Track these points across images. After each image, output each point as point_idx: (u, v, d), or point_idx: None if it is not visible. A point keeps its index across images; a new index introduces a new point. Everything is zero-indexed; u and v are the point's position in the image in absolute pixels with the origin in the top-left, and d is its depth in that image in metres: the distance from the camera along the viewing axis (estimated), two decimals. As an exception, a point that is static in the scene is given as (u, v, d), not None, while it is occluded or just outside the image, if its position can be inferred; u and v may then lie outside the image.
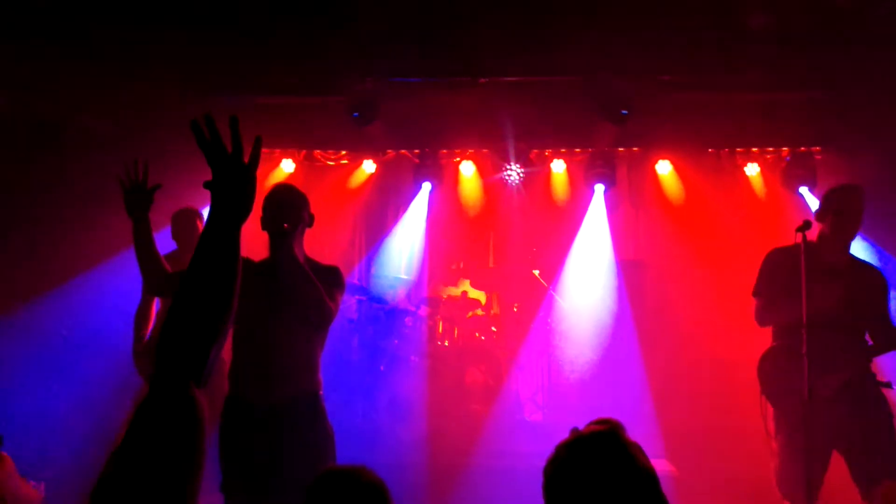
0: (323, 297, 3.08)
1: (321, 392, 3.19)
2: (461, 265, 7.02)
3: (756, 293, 3.97)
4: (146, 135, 6.38)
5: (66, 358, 5.55)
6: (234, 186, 1.46)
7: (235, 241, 1.48)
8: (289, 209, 3.17)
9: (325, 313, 3.10)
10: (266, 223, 3.17)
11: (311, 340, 3.18)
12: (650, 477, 1.56)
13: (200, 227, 4.83)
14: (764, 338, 6.00)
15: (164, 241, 5.02)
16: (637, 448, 1.61)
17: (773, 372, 3.85)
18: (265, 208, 3.18)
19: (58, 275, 5.76)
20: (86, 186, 6.02)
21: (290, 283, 3.06)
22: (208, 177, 5.77)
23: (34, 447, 5.00)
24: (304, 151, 7.34)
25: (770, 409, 3.82)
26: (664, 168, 7.13)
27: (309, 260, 3.26)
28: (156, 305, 4.72)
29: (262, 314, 3.09)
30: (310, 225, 3.28)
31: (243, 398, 3.08)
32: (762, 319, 3.95)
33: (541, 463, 5.42)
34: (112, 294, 5.55)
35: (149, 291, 3.57)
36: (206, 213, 4.97)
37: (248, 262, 3.17)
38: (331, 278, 3.21)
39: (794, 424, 3.55)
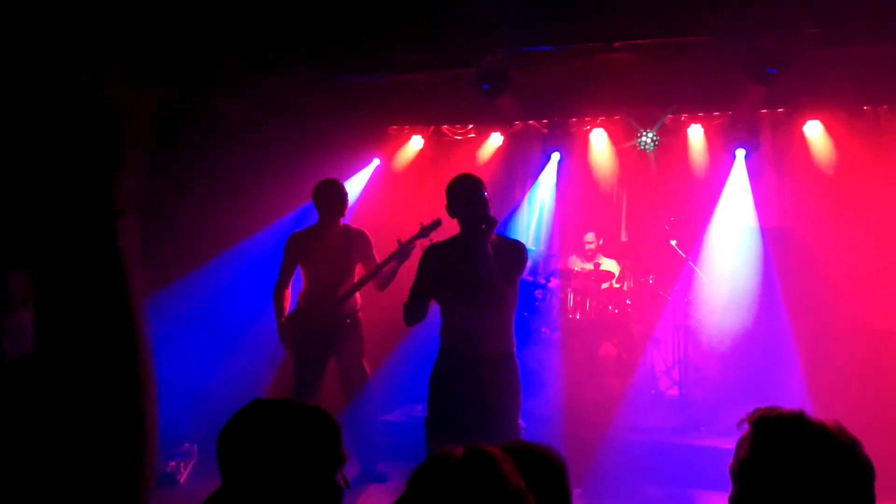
0: (507, 296, 3.62)
1: (514, 350, 3.75)
2: (600, 241, 6.85)
3: None
4: (288, 117, 6.65)
5: (218, 332, 5.90)
6: None
7: None
8: (484, 201, 3.55)
9: (508, 305, 3.66)
10: (461, 213, 3.56)
11: (509, 307, 3.73)
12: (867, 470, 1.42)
13: (344, 195, 4.93)
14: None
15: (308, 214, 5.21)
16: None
17: None
18: (458, 196, 3.57)
19: (207, 251, 6.12)
20: (224, 169, 6.34)
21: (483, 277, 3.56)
22: (341, 153, 5.83)
23: (190, 412, 5.37)
24: (432, 127, 7.41)
25: None
26: (814, 130, 6.63)
27: (497, 236, 3.65)
28: (294, 282, 4.92)
29: (467, 288, 3.60)
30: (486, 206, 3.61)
31: (454, 352, 3.71)
32: None
33: (678, 438, 5.28)
34: (254, 270, 5.84)
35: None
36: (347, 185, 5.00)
37: (439, 245, 3.79)
38: (514, 258, 3.66)
39: None
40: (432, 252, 3.77)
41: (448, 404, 3.69)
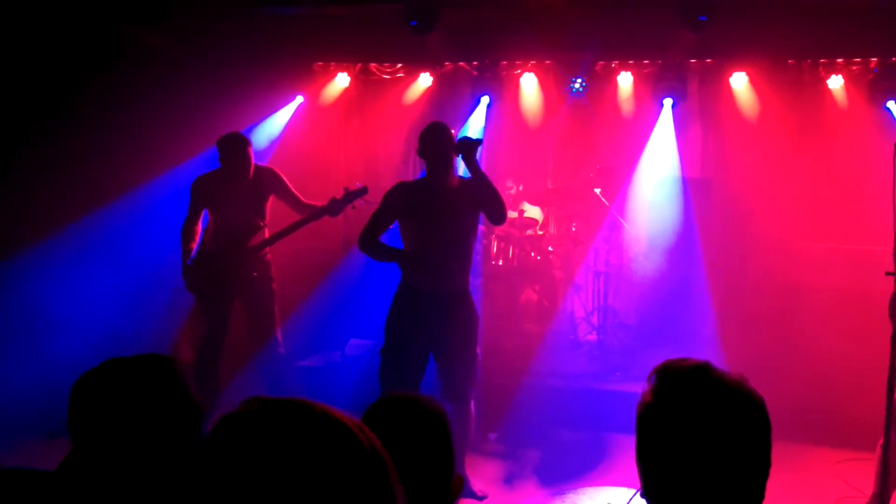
0: (502, 199, 3.94)
1: (469, 287, 4.09)
2: (520, 188, 6.80)
3: None
4: (206, 50, 6.31)
5: (119, 273, 5.65)
6: None
7: None
8: (450, 144, 3.90)
9: (504, 211, 3.96)
10: (439, 149, 3.89)
11: (470, 246, 4.02)
12: (756, 405, 1.38)
13: (251, 153, 4.71)
14: (833, 260, 5.70)
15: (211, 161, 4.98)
16: (735, 379, 1.42)
17: None
18: (434, 140, 3.91)
19: (112, 190, 5.82)
20: (140, 103, 6.00)
21: (487, 192, 3.88)
22: (262, 90, 5.61)
23: (99, 357, 5.15)
24: (359, 65, 7.15)
25: None
26: (739, 81, 6.67)
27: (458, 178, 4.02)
28: (202, 221, 4.72)
29: (436, 223, 3.87)
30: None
31: (416, 286, 3.94)
32: None
33: (594, 384, 5.41)
34: (162, 209, 5.59)
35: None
36: (253, 139, 4.89)
37: (407, 184, 4.13)
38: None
39: None
40: (400, 189, 4.03)
41: (407, 335, 3.91)
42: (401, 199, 3.98)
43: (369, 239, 3.96)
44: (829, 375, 5.24)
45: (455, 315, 3.94)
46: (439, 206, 3.90)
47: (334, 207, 4.54)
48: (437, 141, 3.92)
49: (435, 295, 3.91)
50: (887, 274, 3.39)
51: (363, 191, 4.57)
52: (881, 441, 3.46)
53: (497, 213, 3.93)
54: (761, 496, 1.36)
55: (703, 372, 1.40)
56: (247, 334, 4.76)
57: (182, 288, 4.63)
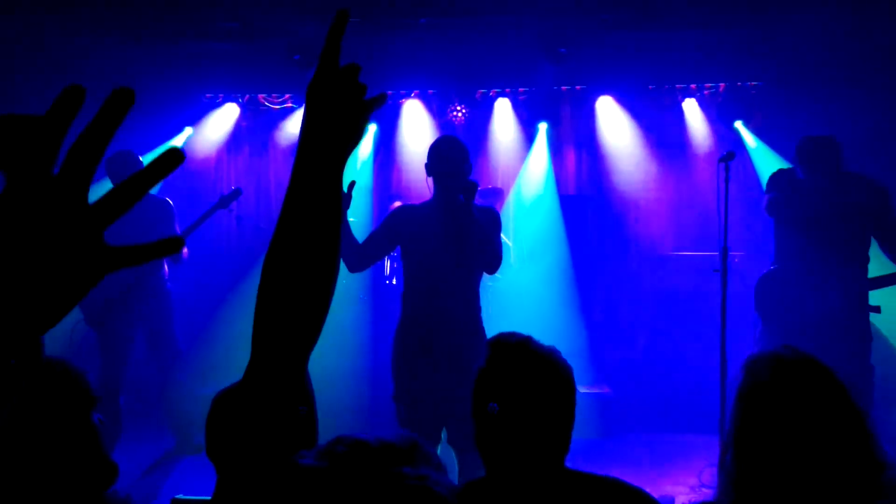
0: (498, 252, 3.49)
1: (482, 323, 3.62)
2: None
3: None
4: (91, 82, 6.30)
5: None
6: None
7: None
8: (465, 164, 3.45)
9: (499, 262, 3.52)
10: (441, 173, 3.43)
11: (477, 277, 3.60)
12: (565, 375, 1.70)
13: (139, 166, 4.83)
14: (701, 269, 6.29)
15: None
16: (550, 351, 1.74)
17: (768, 292, 4.12)
18: (438, 158, 3.45)
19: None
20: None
21: (474, 244, 3.42)
22: (150, 121, 5.69)
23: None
24: (247, 96, 7.30)
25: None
26: (606, 105, 7.25)
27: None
28: None
29: (439, 253, 3.46)
30: (470, 173, 3.50)
31: (425, 318, 3.50)
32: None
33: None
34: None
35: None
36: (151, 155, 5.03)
37: (412, 206, 3.72)
38: (492, 220, 3.56)
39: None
40: (404, 212, 3.67)
41: (423, 375, 3.47)
42: (409, 223, 3.57)
43: (364, 258, 3.57)
44: (699, 372, 5.70)
45: (469, 348, 3.36)
46: (452, 227, 3.44)
47: (199, 220, 4.73)
48: (449, 154, 3.44)
49: (451, 327, 3.47)
50: (714, 270, 3.90)
51: (237, 192, 4.77)
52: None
53: (491, 263, 3.51)
54: (567, 445, 1.69)
55: (524, 344, 1.72)
56: (146, 361, 4.83)
57: (82, 321, 4.65)
